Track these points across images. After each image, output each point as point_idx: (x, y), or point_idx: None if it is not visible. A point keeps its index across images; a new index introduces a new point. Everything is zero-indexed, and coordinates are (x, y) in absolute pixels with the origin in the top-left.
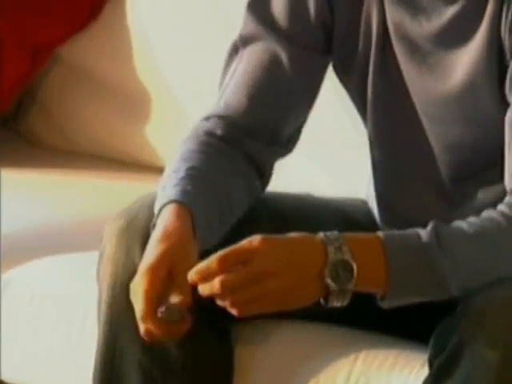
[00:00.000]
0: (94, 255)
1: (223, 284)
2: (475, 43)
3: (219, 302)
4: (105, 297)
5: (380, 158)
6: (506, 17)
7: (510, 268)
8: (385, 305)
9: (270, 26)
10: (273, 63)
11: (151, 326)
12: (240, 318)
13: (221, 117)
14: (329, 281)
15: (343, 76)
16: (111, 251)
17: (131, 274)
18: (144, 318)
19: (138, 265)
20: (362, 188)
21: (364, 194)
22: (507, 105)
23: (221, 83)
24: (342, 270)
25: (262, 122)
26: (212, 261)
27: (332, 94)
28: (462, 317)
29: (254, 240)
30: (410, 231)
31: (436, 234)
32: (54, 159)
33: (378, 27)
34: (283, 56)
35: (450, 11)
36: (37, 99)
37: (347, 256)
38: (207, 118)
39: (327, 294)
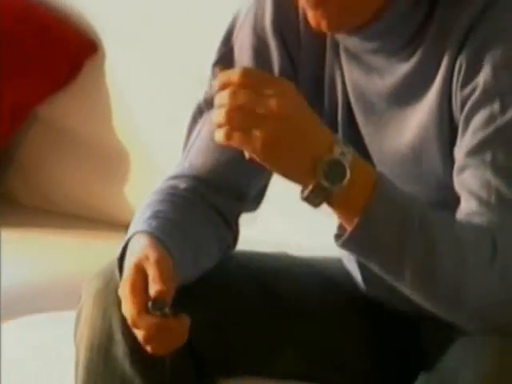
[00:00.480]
0: (71, 315)
1: (234, 93)
2: (427, 101)
3: (217, 117)
4: (82, 359)
5: None
6: (457, 77)
7: (472, 286)
8: (340, 243)
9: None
10: None
11: (146, 328)
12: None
13: (185, 175)
14: (320, 170)
15: None
16: (88, 313)
17: (108, 336)
18: (137, 318)
19: (115, 326)
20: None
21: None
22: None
23: (185, 145)
24: (335, 171)
25: (226, 181)
26: (235, 71)
27: None
28: None
29: (285, 80)
30: (408, 195)
31: (424, 214)
32: (33, 219)
33: (341, 85)
34: None
35: (403, 70)
36: (15, 159)
37: (346, 164)
38: (172, 178)
39: (311, 183)
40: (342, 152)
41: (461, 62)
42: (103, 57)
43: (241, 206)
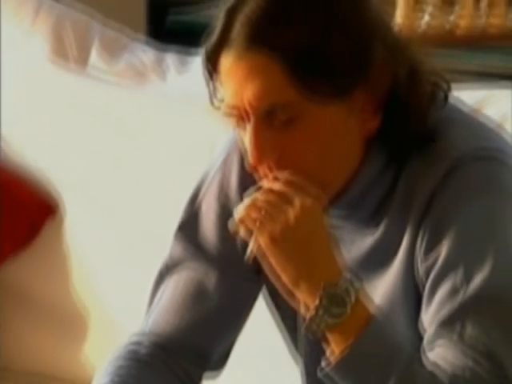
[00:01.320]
0: None
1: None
2: (393, 270)
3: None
4: None
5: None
6: (420, 246)
7: None
8: (321, 374)
9: (198, 251)
10: (198, 291)
11: None
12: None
13: (147, 339)
14: (320, 299)
15: (275, 309)
16: None
17: None
18: None
19: None
20: None
21: None
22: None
23: (148, 308)
24: (335, 305)
25: (189, 344)
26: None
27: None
28: None
29: (314, 200)
30: (398, 339)
31: (410, 364)
32: None
33: None
34: (210, 283)
35: (368, 242)
36: None
37: (348, 303)
38: (133, 343)
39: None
40: (347, 289)
41: (423, 231)
42: (62, 218)
43: (204, 368)
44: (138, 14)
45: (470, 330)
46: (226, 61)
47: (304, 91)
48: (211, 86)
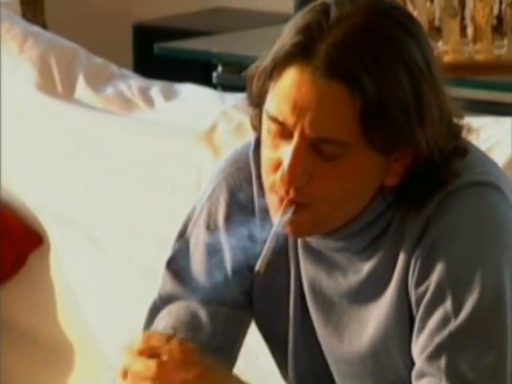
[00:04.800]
0: None
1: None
2: (387, 298)
3: None
4: None
5: None
6: (413, 273)
7: None
8: None
9: (189, 285)
10: (192, 323)
11: None
12: None
13: None
14: None
15: (265, 332)
16: None
17: None
18: None
19: None
20: None
21: None
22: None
23: None
24: None
25: None
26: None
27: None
28: None
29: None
30: None
31: None
32: None
33: (295, 283)
34: (203, 315)
35: (366, 268)
36: None
37: None
38: None
39: None
40: None
41: (415, 260)
42: (48, 248)
43: None
44: (124, 46)
45: (456, 361)
46: (296, 75)
47: (364, 137)
48: (256, 89)
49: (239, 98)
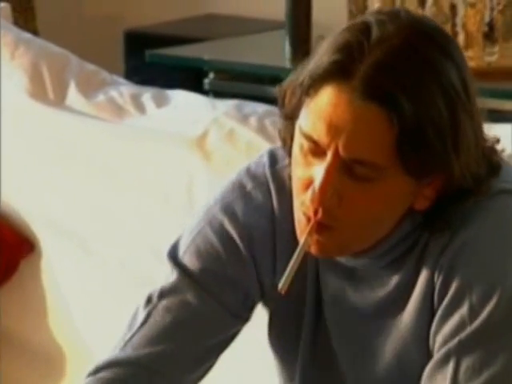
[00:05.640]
0: None
1: None
2: (409, 310)
3: None
4: None
5: None
6: (437, 283)
7: None
8: None
9: (194, 280)
10: (188, 319)
11: None
12: None
13: (127, 361)
14: None
15: (275, 341)
16: None
17: None
18: None
19: None
20: None
21: None
22: None
23: (127, 330)
24: None
25: (164, 372)
26: None
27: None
28: None
29: None
30: None
31: None
32: None
33: (312, 295)
34: (202, 312)
35: (393, 281)
36: None
37: None
38: (109, 365)
39: None
40: None
41: (439, 270)
42: (39, 256)
43: None
44: (116, 52)
45: (463, 368)
46: (333, 94)
47: (400, 161)
48: (290, 103)
49: (230, 104)
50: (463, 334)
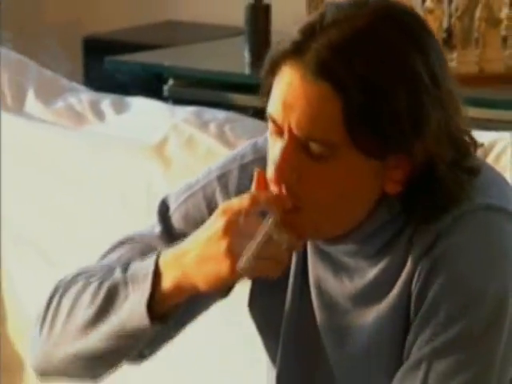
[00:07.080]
0: None
1: None
2: (387, 303)
3: None
4: None
5: None
6: (416, 284)
7: None
8: None
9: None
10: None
11: None
12: None
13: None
14: None
15: (261, 324)
16: None
17: None
18: None
19: None
20: None
21: None
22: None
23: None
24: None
25: None
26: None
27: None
28: None
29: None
30: None
31: None
32: None
33: (296, 277)
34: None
35: (373, 273)
36: None
37: None
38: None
39: None
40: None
41: (419, 271)
42: None
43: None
44: (75, 59)
45: (434, 373)
46: (289, 73)
47: (349, 139)
48: (264, 86)
49: (190, 111)
50: (437, 341)
